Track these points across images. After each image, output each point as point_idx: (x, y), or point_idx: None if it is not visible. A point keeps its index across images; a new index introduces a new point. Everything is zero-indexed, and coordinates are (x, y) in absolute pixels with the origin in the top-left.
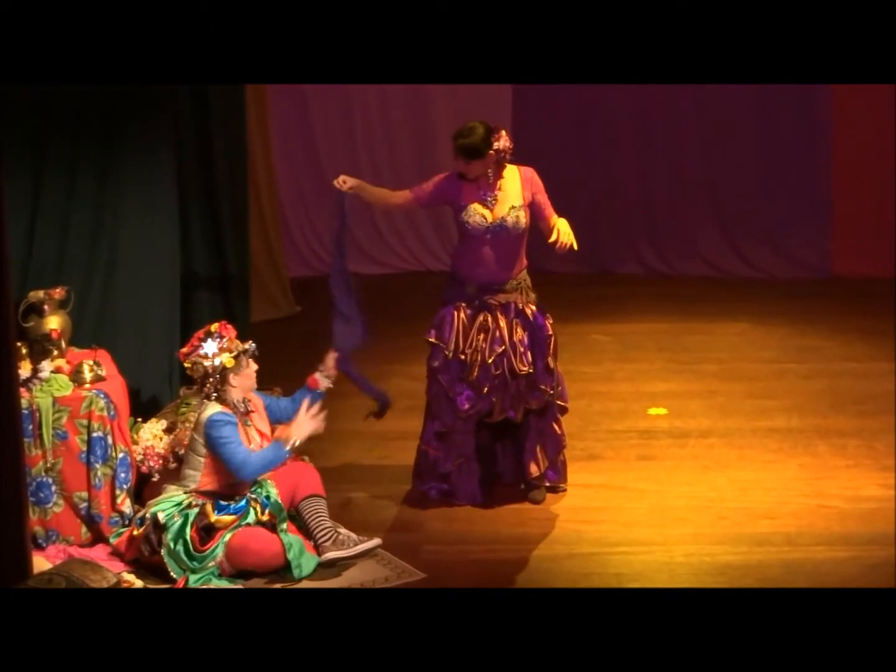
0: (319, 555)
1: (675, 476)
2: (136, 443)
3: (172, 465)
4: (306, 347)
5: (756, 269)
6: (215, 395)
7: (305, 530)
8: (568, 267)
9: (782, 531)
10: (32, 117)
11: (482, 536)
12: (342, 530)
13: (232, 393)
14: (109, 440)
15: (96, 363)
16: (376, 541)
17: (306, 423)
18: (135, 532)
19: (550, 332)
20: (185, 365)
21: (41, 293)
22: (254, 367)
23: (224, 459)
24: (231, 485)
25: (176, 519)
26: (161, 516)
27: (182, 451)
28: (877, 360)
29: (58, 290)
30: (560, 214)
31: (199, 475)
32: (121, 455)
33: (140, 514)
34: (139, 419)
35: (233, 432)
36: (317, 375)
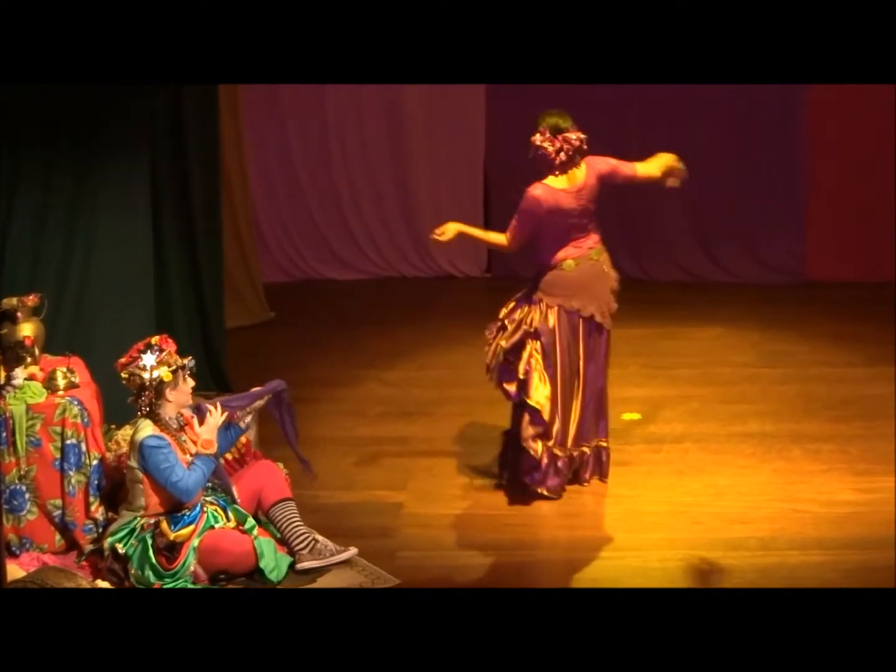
0: (295, 563)
1: (649, 481)
2: (110, 450)
3: None
4: (280, 353)
5: (730, 274)
6: (148, 409)
7: (279, 535)
8: None
9: (756, 536)
10: (4, 119)
11: (456, 542)
12: (319, 538)
13: (166, 408)
14: (83, 447)
15: (70, 370)
16: (353, 550)
17: (207, 435)
18: (98, 564)
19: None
20: (122, 376)
21: (14, 300)
22: (191, 383)
23: (162, 485)
24: (177, 501)
25: (135, 546)
26: (119, 548)
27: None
28: (851, 364)
29: (31, 297)
30: None
31: (144, 498)
32: (94, 462)
33: (98, 547)
34: (113, 426)
35: (167, 456)
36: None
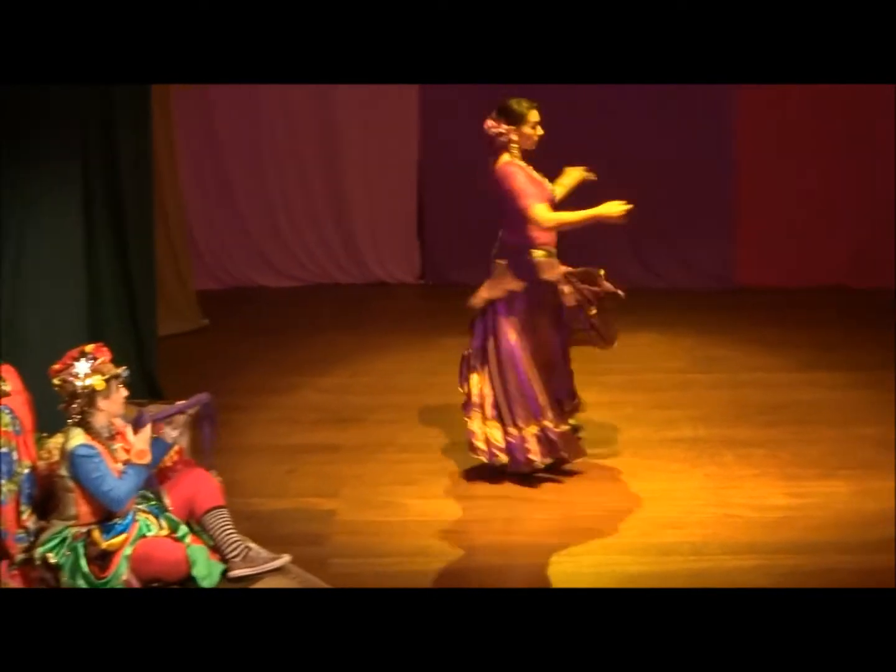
0: (228, 570)
1: (582, 487)
2: (41, 458)
3: None
4: (213, 361)
5: (663, 280)
6: (79, 416)
7: (212, 543)
8: (471, 277)
9: (689, 541)
10: None
11: (388, 549)
12: (252, 545)
13: (98, 417)
14: (14, 456)
15: (0, 378)
16: (286, 557)
17: (140, 445)
18: (30, 574)
19: None
20: (55, 382)
21: None
22: (124, 393)
23: (93, 494)
24: (109, 510)
25: (67, 555)
26: (51, 557)
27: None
28: (782, 370)
29: None
30: (466, 222)
31: (75, 507)
32: (26, 471)
33: (30, 556)
34: (45, 434)
35: (98, 465)
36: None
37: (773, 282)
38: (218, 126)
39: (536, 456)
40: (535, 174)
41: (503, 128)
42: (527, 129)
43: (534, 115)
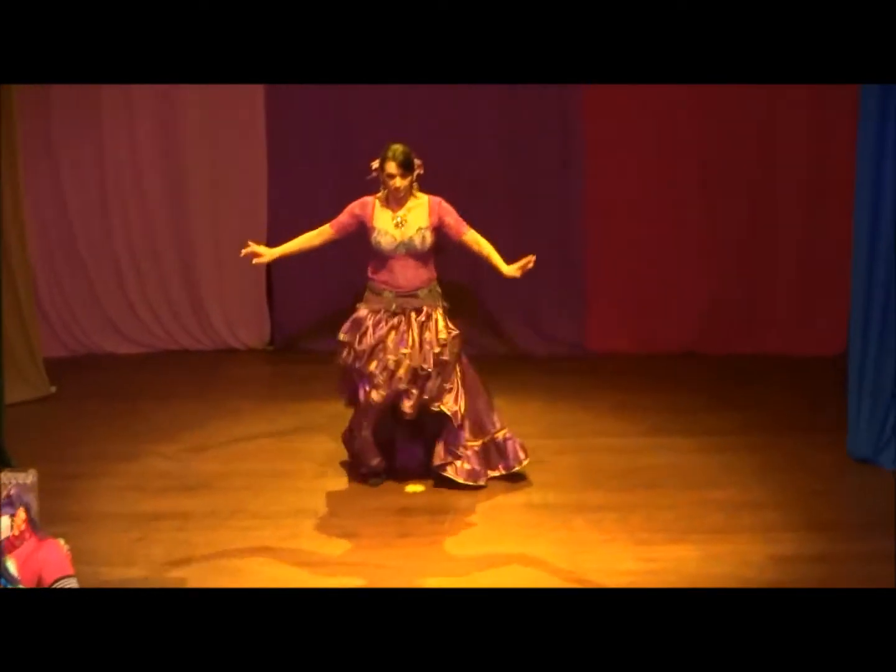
0: None
1: (431, 553)
2: None
3: None
4: (61, 428)
5: (512, 346)
6: None
7: None
8: (320, 343)
9: None
10: None
11: None
12: None
13: None
14: None
15: None
16: None
17: None
18: None
19: (452, 335)
20: None
21: None
22: None
23: None
24: None
25: None
26: None
27: None
28: (630, 434)
29: None
30: (315, 288)
31: None
32: None
33: None
34: None
35: None
36: None
37: (624, 348)
38: (67, 195)
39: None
40: (393, 216)
41: (374, 164)
42: (383, 175)
43: (387, 166)
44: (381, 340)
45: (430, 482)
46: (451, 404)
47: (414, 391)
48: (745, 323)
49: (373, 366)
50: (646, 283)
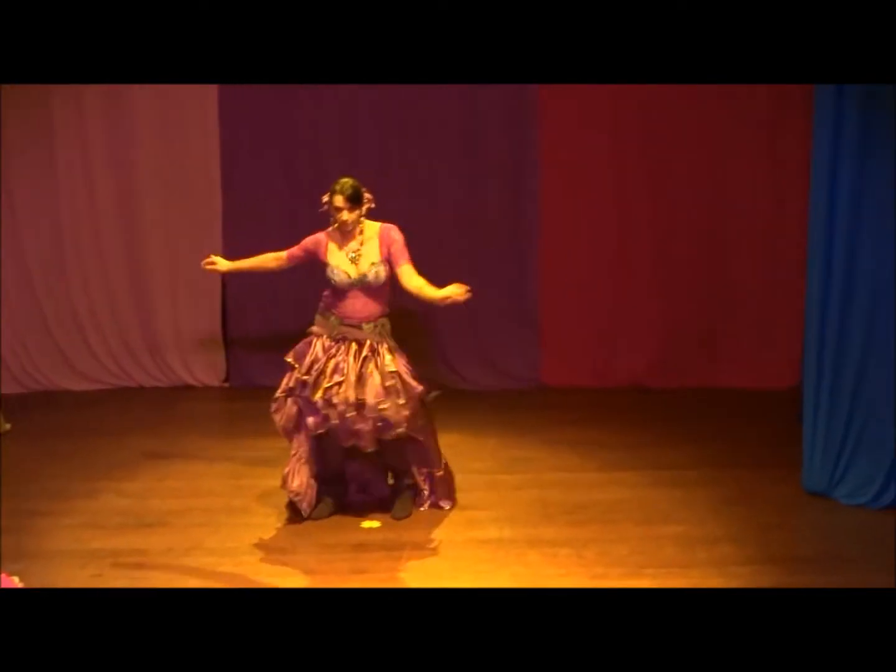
0: None
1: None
2: None
3: None
4: (16, 466)
5: (467, 381)
6: None
7: None
8: (276, 379)
9: None
10: None
11: None
12: None
13: None
14: None
15: None
16: None
17: None
18: None
19: (395, 370)
20: None
21: None
22: None
23: None
24: None
25: None
26: None
27: None
28: (585, 469)
29: None
30: (270, 323)
31: None
32: None
33: None
34: None
35: None
36: None
37: (579, 382)
38: (22, 230)
39: None
40: (347, 251)
41: (325, 198)
42: (332, 208)
43: (335, 200)
44: (323, 367)
45: (387, 517)
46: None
47: (363, 426)
48: (699, 356)
49: (316, 394)
50: (600, 317)
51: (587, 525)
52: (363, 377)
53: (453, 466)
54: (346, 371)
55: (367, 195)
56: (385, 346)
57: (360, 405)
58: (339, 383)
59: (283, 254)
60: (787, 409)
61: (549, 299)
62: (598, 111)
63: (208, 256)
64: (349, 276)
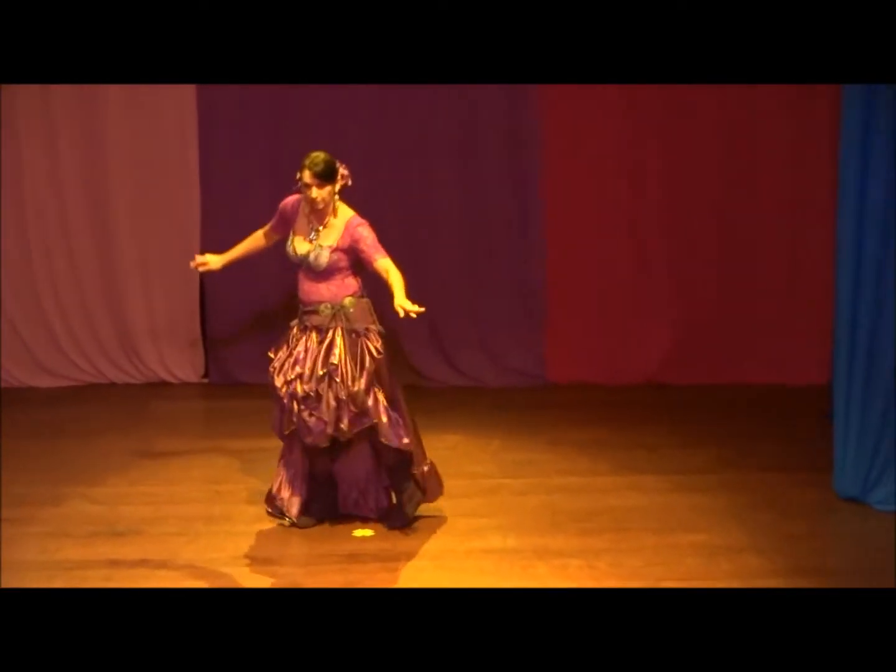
0: None
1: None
2: None
3: None
4: None
5: (468, 378)
6: None
7: None
8: (256, 376)
9: None
10: None
11: None
12: None
13: None
14: None
15: None
16: None
17: None
18: None
19: (370, 357)
20: None
21: None
22: None
23: None
24: None
25: None
26: None
27: None
28: (597, 473)
29: None
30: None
31: None
32: None
33: None
34: None
35: None
36: None
37: (582, 378)
38: None
39: None
40: (310, 227)
41: (298, 175)
42: (301, 185)
43: (303, 175)
44: (284, 360)
45: (380, 526)
46: (403, 440)
47: (311, 420)
48: (719, 350)
49: (279, 383)
50: (610, 308)
51: (599, 534)
52: (315, 369)
53: (453, 470)
54: (305, 363)
55: (342, 171)
56: (339, 331)
57: (305, 398)
58: (300, 375)
59: (267, 227)
60: (815, 406)
61: (557, 290)
62: (607, 98)
63: (195, 258)
64: (295, 253)
